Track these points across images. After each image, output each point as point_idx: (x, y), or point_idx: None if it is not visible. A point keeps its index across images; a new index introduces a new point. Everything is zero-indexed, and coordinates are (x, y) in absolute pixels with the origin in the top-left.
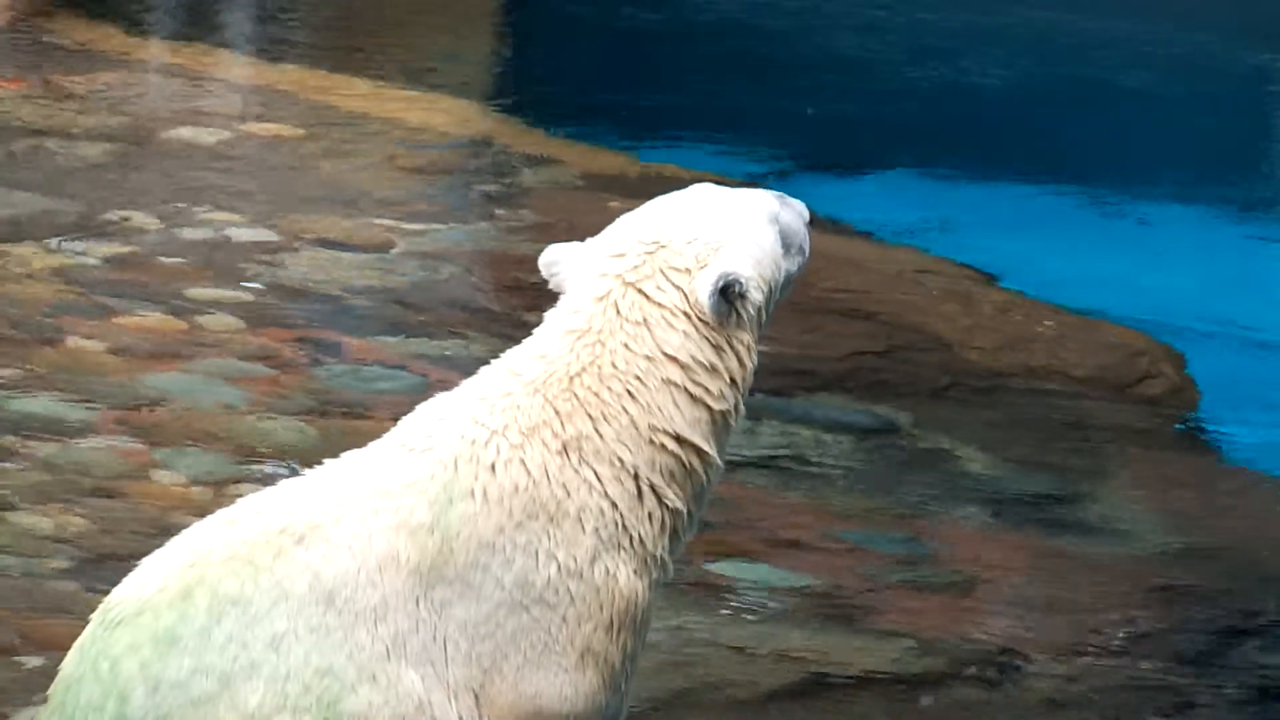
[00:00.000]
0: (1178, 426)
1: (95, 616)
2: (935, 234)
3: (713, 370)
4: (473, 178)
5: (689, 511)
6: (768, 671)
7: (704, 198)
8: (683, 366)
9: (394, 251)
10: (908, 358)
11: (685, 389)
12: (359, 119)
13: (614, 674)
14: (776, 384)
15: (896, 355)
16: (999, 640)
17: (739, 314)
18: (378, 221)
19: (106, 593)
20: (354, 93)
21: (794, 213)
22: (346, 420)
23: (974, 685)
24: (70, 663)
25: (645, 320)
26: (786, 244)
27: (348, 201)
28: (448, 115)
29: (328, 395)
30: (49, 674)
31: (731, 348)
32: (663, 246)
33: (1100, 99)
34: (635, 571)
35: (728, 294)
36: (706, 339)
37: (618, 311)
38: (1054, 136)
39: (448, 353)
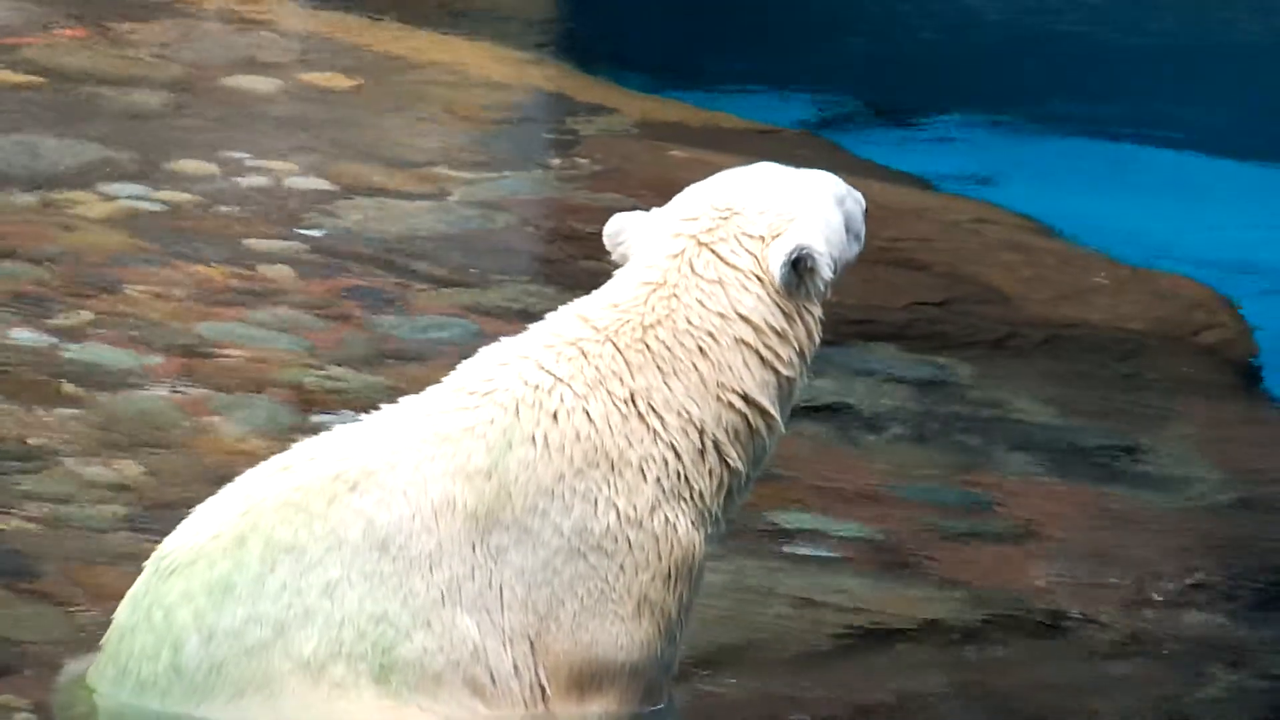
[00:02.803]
0: (1236, 377)
1: (149, 565)
2: (994, 184)
3: (783, 336)
4: (529, 126)
5: (746, 474)
6: (824, 622)
7: (773, 173)
8: (755, 328)
9: (450, 200)
10: (966, 309)
11: (757, 350)
12: (416, 67)
13: (669, 624)
14: (834, 335)
15: (955, 306)
16: (1056, 591)
17: (807, 287)
18: (435, 170)
19: (161, 542)
20: (412, 41)
21: (855, 200)
22: (402, 368)
23: (1030, 636)
24: (124, 612)
25: (721, 279)
26: (851, 228)
27: (404, 150)
28: (505, 64)
29: (384, 344)
30: (104, 623)
31: (801, 318)
32: (736, 213)
33: (1164, 48)
34: (693, 523)
35: (798, 266)
36: (779, 305)
37: (692, 269)
38: (1115, 86)
39: (503, 302)
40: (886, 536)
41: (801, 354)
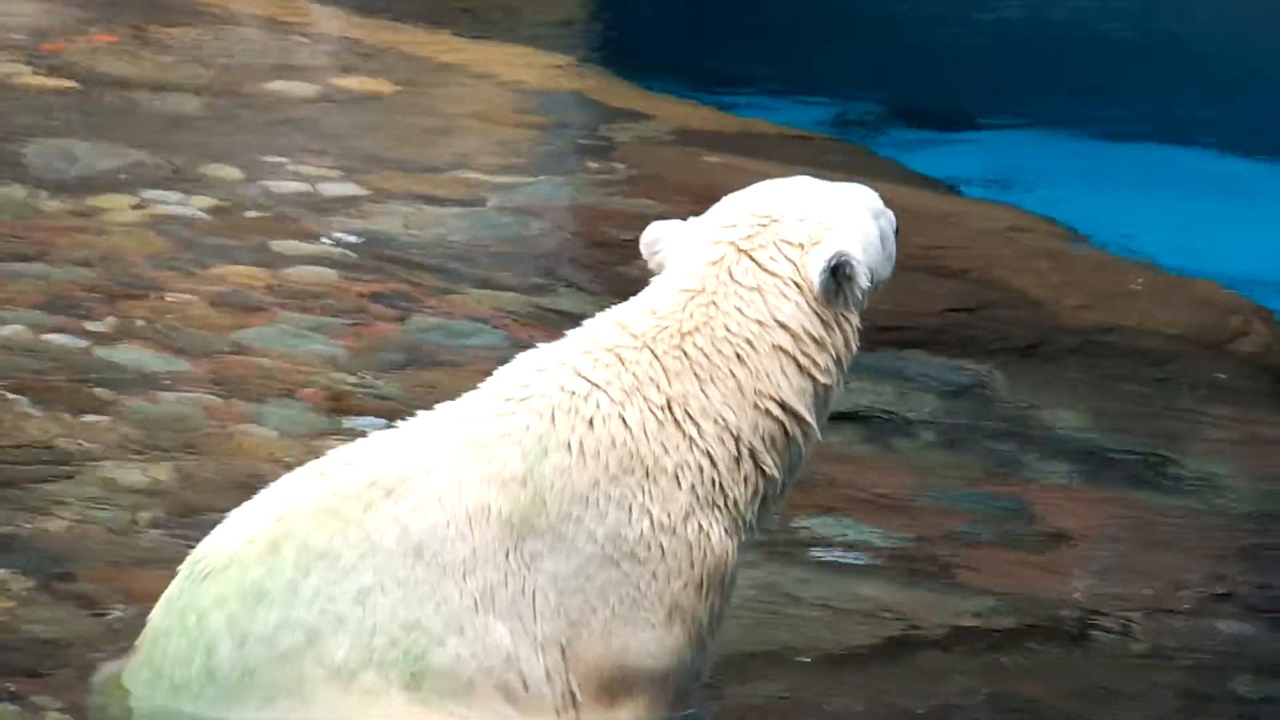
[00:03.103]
0: (1269, 384)
1: (183, 569)
2: (1025, 189)
3: (821, 344)
4: (565, 132)
5: (782, 482)
6: (855, 628)
7: (811, 184)
8: (793, 335)
9: (485, 205)
10: (998, 315)
11: (795, 358)
12: (451, 73)
13: (700, 632)
14: (866, 341)
15: (987, 312)
16: (1087, 597)
17: (846, 295)
18: (468, 175)
19: (195, 546)
20: (447, 46)
21: (888, 219)
22: (436, 373)
23: (1061, 642)
24: (158, 615)
25: (759, 286)
26: (886, 246)
27: (439, 155)
28: (540, 69)
29: (418, 349)
30: (138, 626)
31: (839, 326)
32: (775, 220)
33: (1196, 55)
34: (727, 531)
35: (837, 273)
36: (817, 313)
37: (731, 276)
38: (1148, 92)
39: (537, 308)
40: (917, 543)
41: (839, 362)
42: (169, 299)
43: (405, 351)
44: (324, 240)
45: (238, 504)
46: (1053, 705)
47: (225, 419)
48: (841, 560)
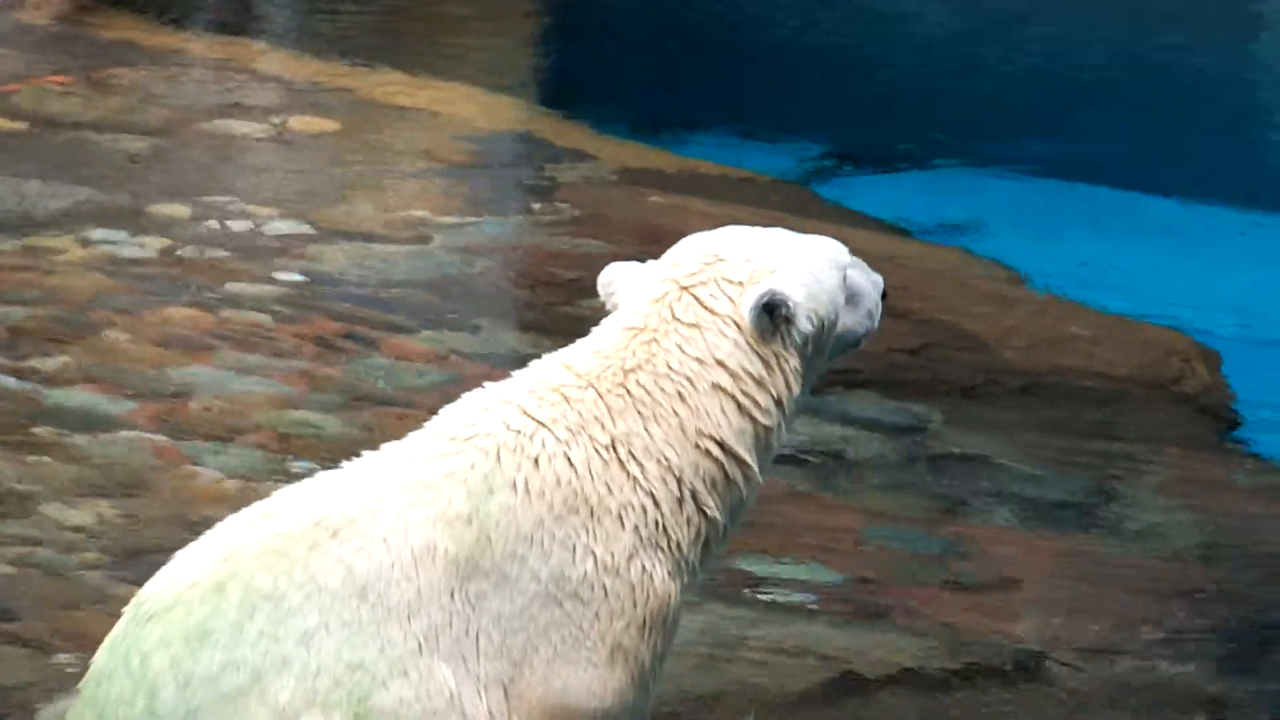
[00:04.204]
0: (1213, 426)
1: (128, 611)
2: (971, 232)
3: (760, 384)
4: (509, 172)
5: (724, 524)
6: (798, 670)
7: (775, 232)
8: (732, 374)
9: (430, 245)
10: (942, 356)
11: (734, 397)
12: (398, 113)
13: (642, 672)
14: None
15: (931, 353)
16: (1030, 639)
17: (784, 336)
18: (414, 214)
19: (139, 587)
20: (394, 87)
21: (868, 279)
22: (382, 414)
23: (1004, 684)
24: (101, 657)
25: (698, 323)
26: (853, 299)
27: (385, 195)
28: (485, 109)
29: (363, 389)
30: (81, 668)
31: (779, 367)
32: (721, 260)
33: (1137, 98)
34: (670, 573)
35: (773, 313)
36: (756, 353)
37: (673, 313)
38: (1090, 135)
39: (483, 347)
40: (862, 583)
41: (779, 403)
42: (115, 339)
43: (351, 391)
44: (271, 280)
45: (183, 545)
46: None
47: (171, 460)
48: (785, 601)
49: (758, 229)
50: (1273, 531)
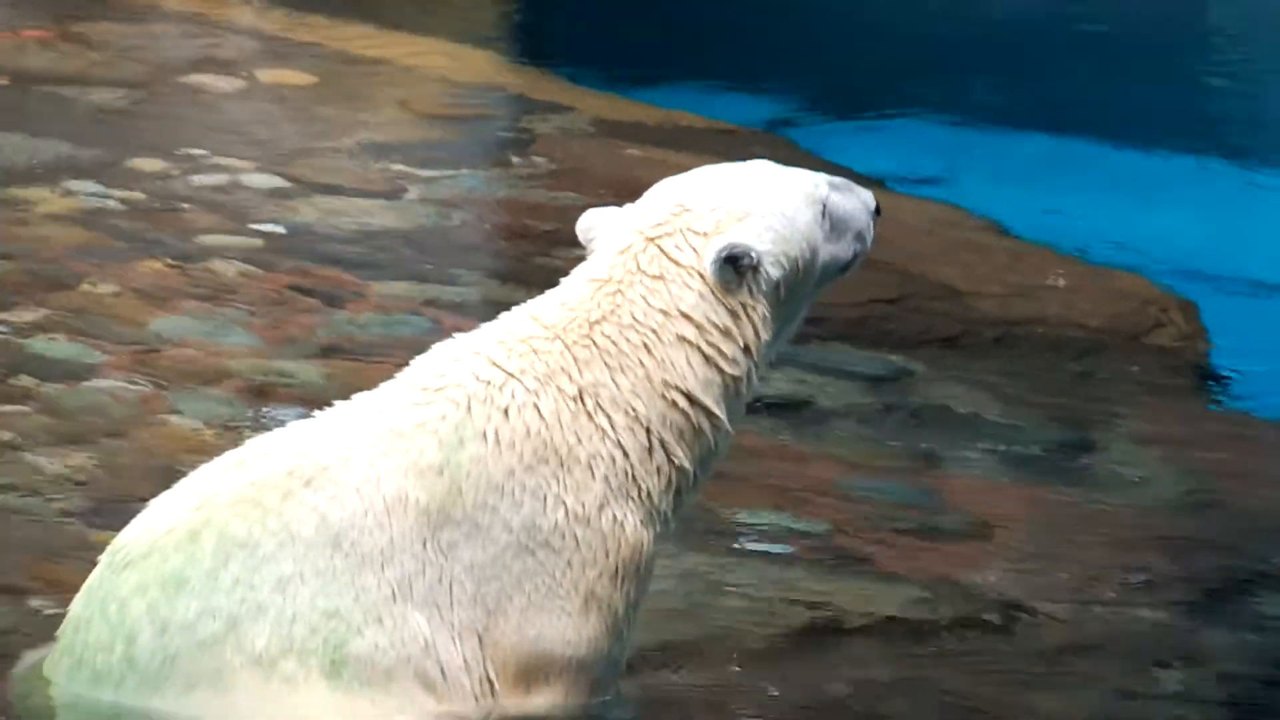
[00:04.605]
0: (1188, 376)
1: (104, 558)
2: (949, 183)
3: (726, 334)
4: (486, 124)
5: (695, 473)
6: (776, 618)
7: (747, 171)
8: (697, 326)
9: (406, 197)
10: (920, 306)
11: (699, 349)
12: (373, 65)
13: (616, 621)
14: None
15: (908, 304)
16: (1007, 588)
17: (750, 285)
18: (391, 167)
19: (116, 535)
20: (369, 40)
21: (855, 200)
22: (357, 364)
23: (982, 632)
24: (79, 604)
25: (663, 275)
26: (838, 228)
27: (361, 147)
28: (462, 62)
29: (339, 339)
30: (59, 615)
31: (746, 316)
32: (687, 210)
33: (1113, 47)
34: (642, 522)
35: (737, 263)
36: (722, 303)
37: (638, 265)
38: (1067, 84)
39: (459, 299)
40: (839, 532)
41: (748, 351)
42: (91, 290)
43: (326, 342)
44: (247, 231)
45: (159, 493)
46: (975, 694)
47: (149, 409)
48: (764, 550)
49: (732, 168)
50: (1249, 481)
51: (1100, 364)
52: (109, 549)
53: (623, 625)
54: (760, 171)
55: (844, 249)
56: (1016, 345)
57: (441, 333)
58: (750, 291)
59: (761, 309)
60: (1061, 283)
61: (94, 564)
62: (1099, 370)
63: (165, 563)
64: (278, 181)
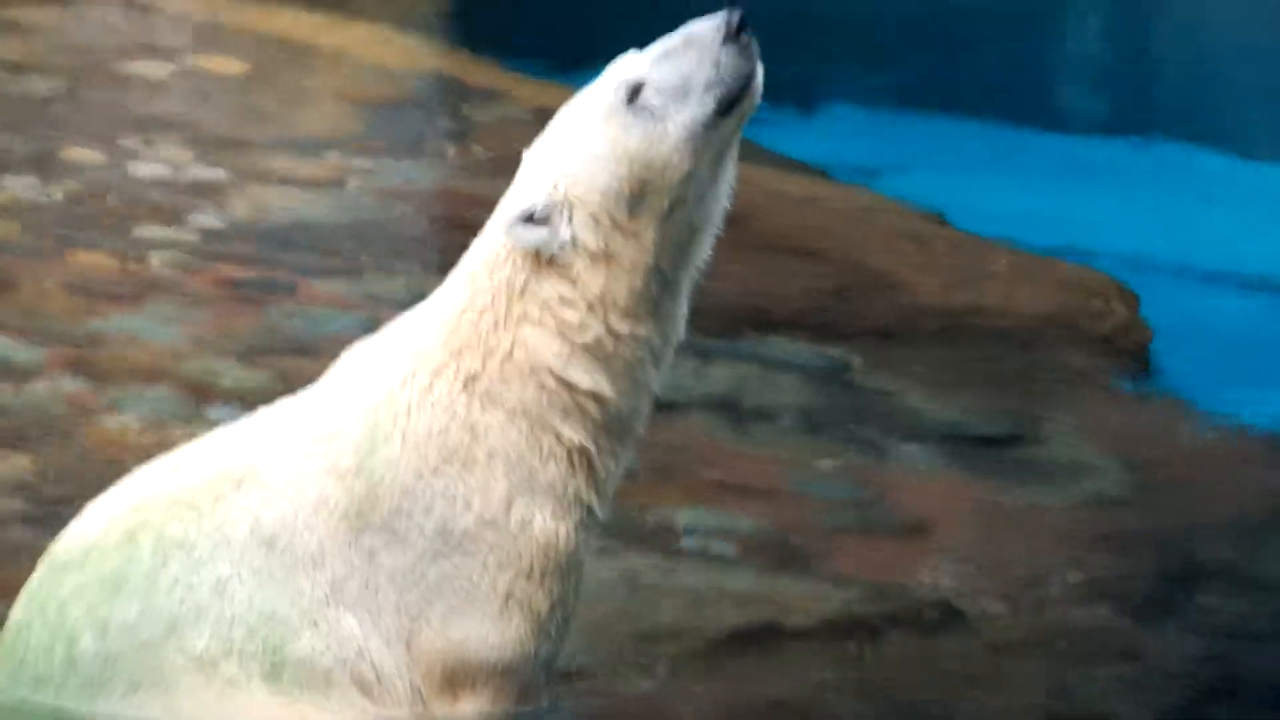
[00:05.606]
0: (1131, 366)
1: (43, 561)
2: (887, 172)
3: (565, 302)
4: (423, 114)
5: (598, 446)
6: (717, 618)
7: (553, 124)
8: (532, 299)
9: (346, 188)
10: (859, 298)
11: (541, 323)
12: (311, 53)
13: (541, 621)
14: (725, 324)
15: (847, 295)
16: (948, 585)
17: (563, 240)
18: (328, 158)
19: (56, 537)
20: (304, 25)
21: (690, 54)
22: (297, 360)
23: (923, 631)
24: (19, 607)
25: (496, 257)
26: (674, 98)
27: (298, 137)
28: (397, 47)
29: (279, 334)
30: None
31: (576, 277)
32: (517, 185)
33: (1054, 33)
34: (553, 515)
35: (531, 221)
36: (550, 272)
37: (485, 248)
38: (1006, 72)
39: (398, 292)
40: (779, 531)
41: (592, 309)
42: (27, 286)
43: (266, 337)
44: (183, 224)
45: (99, 494)
46: (917, 693)
47: (86, 408)
48: (705, 549)
49: (546, 130)
50: (1193, 473)
51: (1042, 354)
52: (48, 551)
53: (549, 625)
54: (560, 114)
55: (698, 107)
56: (959, 336)
57: (380, 326)
58: (568, 247)
59: (584, 261)
60: (1001, 268)
61: (33, 566)
62: (1041, 361)
63: (104, 564)
64: (215, 172)
